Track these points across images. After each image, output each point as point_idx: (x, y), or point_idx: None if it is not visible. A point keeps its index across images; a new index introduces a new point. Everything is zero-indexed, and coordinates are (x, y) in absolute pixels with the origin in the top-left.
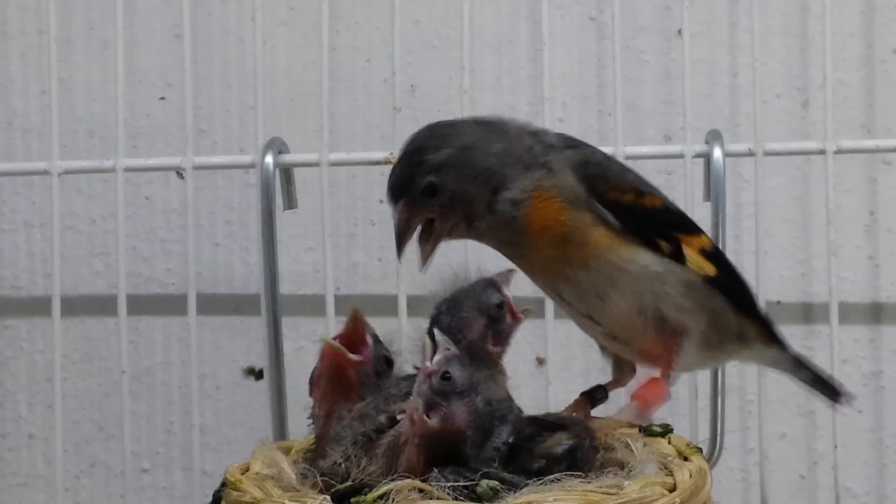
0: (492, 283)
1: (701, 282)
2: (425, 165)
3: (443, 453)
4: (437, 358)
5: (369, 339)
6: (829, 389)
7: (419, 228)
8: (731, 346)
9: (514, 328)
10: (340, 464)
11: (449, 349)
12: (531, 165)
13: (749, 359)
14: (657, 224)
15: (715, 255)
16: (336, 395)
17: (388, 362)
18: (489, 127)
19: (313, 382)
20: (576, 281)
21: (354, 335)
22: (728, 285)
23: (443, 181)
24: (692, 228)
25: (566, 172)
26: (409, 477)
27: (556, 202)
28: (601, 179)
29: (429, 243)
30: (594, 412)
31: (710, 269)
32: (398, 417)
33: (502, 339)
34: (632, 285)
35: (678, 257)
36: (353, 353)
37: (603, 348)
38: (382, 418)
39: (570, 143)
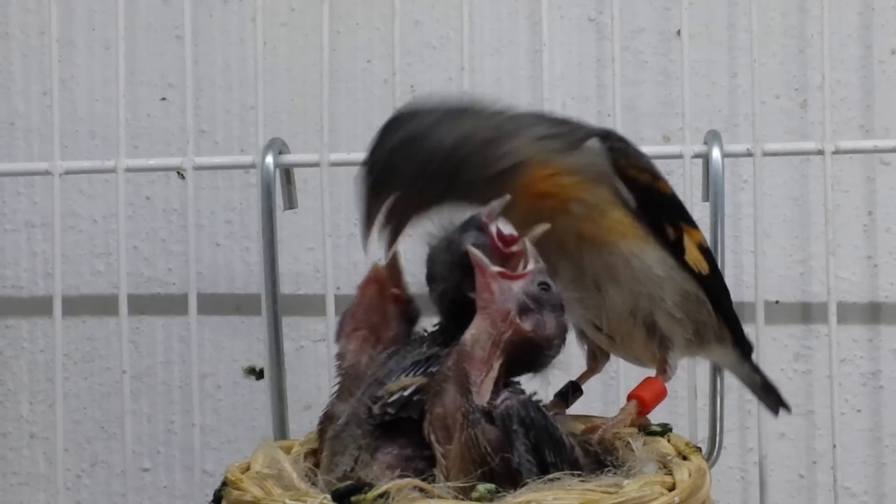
0: (472, 224)
1: (695, 290)
2: (388, 164)
3: (517, 365)
4: (533, 266)
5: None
6: (774, 398)
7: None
8: (710, 347)
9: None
10: (351, 469)
11: (539, 261)
12: (506, 138)
13: (717, 359)
14: (667, 210)
15: (708, 253)
16: (371, 327)
17: (417, 314)
18: (456, 114)
19: (345, 319)
20: (577, 260)
21: (393, 276)
22: (715, 288)
23: (397, 175)
24: (692, 222)
25: (590, 143)
26: (409, 476)
27: (572, 179)
28: (623, 154)
29: (390, 226)
30: (598, 413)
31: (704, 267)
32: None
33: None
34: (632, 284)
35: (679, 248)
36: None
37: (581, 334)
38: (376, 408)
39: (562, 120)
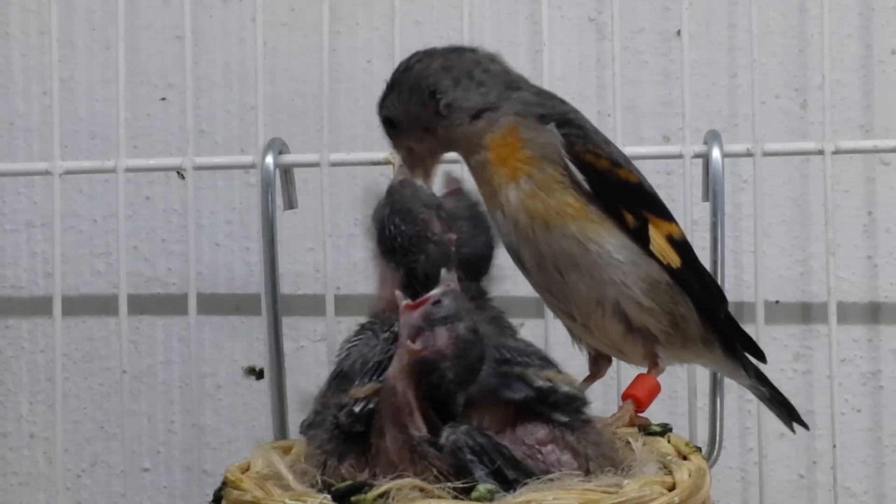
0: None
1: (665, 282)
2: (382, 102)
3: (431, 386)
4: (436, 291)
5: None
6: (785, 410)
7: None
8: (695, 349)
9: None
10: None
11: (450, 285)
12: (490, 85)
13: (710, 365)
14: (628, 197)
15: (683, 247)
16: None
17: None
18: (448, 51)
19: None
20: (535, 244)
21: None
22: (692, 283)
23: (391, 110)
24: (664, 214)
25: (547, 123)
26: (406, 476)
27: (526, 153)
28: (580, 139)
29: (413, 166)
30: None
31: (674, 259)
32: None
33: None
34: (592, 269)
35: (643, 237)
36: None
37: (573, 335)
38: (343, 416)
39: (552, 96)
